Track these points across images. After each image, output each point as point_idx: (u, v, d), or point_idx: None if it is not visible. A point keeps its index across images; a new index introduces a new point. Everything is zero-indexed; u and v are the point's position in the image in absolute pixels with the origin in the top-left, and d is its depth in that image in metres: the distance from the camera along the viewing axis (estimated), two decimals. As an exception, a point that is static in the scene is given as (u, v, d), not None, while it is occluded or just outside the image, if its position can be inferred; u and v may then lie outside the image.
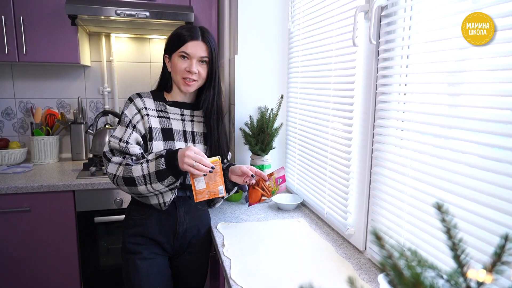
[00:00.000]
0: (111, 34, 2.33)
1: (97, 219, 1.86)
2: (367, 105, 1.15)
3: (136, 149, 1.21)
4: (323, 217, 1.46)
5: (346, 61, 1.25)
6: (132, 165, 1.17)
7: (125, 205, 1.89)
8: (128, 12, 1.87)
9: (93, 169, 1.94)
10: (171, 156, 1.14)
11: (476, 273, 0.35)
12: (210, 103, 1.31)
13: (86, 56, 2.22)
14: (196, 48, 1.23)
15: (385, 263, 0.36)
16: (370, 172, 1.15)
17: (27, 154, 2.27)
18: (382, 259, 0.37)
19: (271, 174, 1.35)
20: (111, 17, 1.88)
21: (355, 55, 1.18)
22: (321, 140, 1.45)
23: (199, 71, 1.25)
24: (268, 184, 1.34)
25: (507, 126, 0.71)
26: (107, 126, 2.29)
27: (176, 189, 1.24)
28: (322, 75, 1.43)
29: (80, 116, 2.31)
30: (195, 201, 1.22)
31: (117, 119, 2.41)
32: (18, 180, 1.82)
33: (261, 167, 1.68)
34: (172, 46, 1.27)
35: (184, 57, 1.24)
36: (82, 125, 2.29)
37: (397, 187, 1.02)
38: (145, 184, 1.15)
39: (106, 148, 1.24)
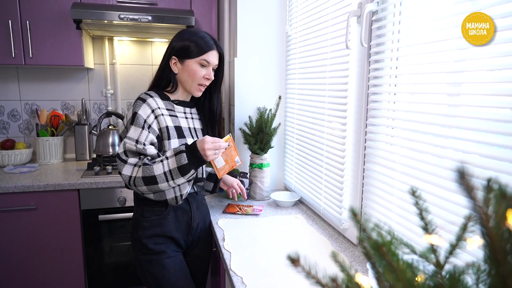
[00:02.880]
0: (114, 38, 2.40)
1: (101, 217, 1.91)
2: (359, 105, 1.21)
3: (152, 150, 1.23)
4: (320, 213, 1.52)
5: (340, 63, 1.31)
6: (151, 165, 1.19)
7: (128, 203, 1.95)
8: (131, 17, 1.94)
9: (97, 168, 2.00)
10: (192, 150, 1.19)
11: (435, 239, 0.41)
12: (220, 106, 1.46)
13: (89, 59, 2.28)
14: (215, 57, 1.34)
15: (363, 237, 0.42)
16: (363, 169, 1.21)
17: (33, 155, 2.33)
18: (360, 234, 0.43)
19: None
20: (115, 21, 1.94)
21: (348, 58, 1.23)
22: (317, 139, 1.51)
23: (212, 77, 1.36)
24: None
25: (506, 124, 0.72)
26: (110, 127, 2.35)
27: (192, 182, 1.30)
28: (318, 76, 1.49)
29: (84, 117, 2.37)
30: (219, 178, 1.37)
31: (120, 120, 2.47)
32: (25, 180, 1.88)
33: (260, 166, 1.74)
34: (190, 53, 1.29)
35: (203, 65, 1.32)
36: (86, 126, 2.35)
37: (387, 182, 1.07)
38: (167, 181, 1.19)
39: (120, 150, 1.23)
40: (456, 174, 0.27)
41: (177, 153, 1.20)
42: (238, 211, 1.57)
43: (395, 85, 1.06)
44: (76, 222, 1.90)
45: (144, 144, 1.22)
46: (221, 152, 1.25)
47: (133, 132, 1.23)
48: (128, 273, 2.02)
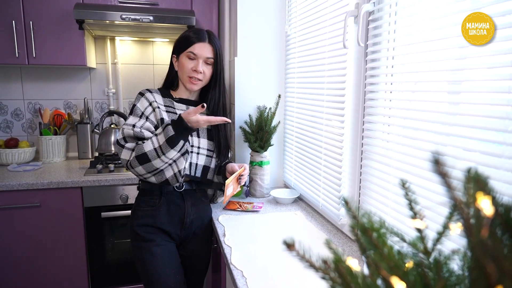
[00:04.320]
0: (115, 38, 2.42)
1: (104, 214, 1.94)
2: (357, 103, 1.24)
3: (149, 134, 1.29)
4: (318, 210, 1.54)
5: (337, 62, 1.33)
6: (142, 143, 1.25)
7: (130, 201, 1.98)
8: (132, 17, 1.97)
9: (99, 166, 2.03)
10: (178, 121, 1.22)
11: (419, 223, 0.43)
12: (216, 102, 1.42)
13: (92, 58, 2.31)
14: (202, 49, 1.34)
15: (354, 224, 0.45)
16: (361, 165, 1.24)
17: (36, 153, 2.35)
18: (352, 222, 0.45)
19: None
20: (116, 22, 1.97)
21: (346, 57, 1.26)
22: (316, 137, 1.54)
23: (204, 71, 1.36)
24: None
25: (502, 121, 0.73)
26: (112, 125, 2.38)
27: (189, 155, 1.32)
28: (317, 75, 1.52)
29: (86, 116, 2.40)
30: (224, 203, 1.43)
31: (122, 119, 2.50)
32: (29, 177, 1.91)
33: (260, 163, 1.76)
34: (180, 47, 1.37)
35: (191, 58, 1.34)
36: (88, 125, 2.38)
37: (384, 178, 1.10)
38: (158, 156, 1.22)
39: (120, 136, 1.30)
40: (431, 163, 0.30)
41: (164, 127, 1.24)
42: (238, 207, 1.60)
43: (391, 84, 1.08)
44: (79, 219, 1.93)
45: (141, 127, 1.28)
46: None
47: (131, 120, 1.32)
48: (130, 270, 2.05)
